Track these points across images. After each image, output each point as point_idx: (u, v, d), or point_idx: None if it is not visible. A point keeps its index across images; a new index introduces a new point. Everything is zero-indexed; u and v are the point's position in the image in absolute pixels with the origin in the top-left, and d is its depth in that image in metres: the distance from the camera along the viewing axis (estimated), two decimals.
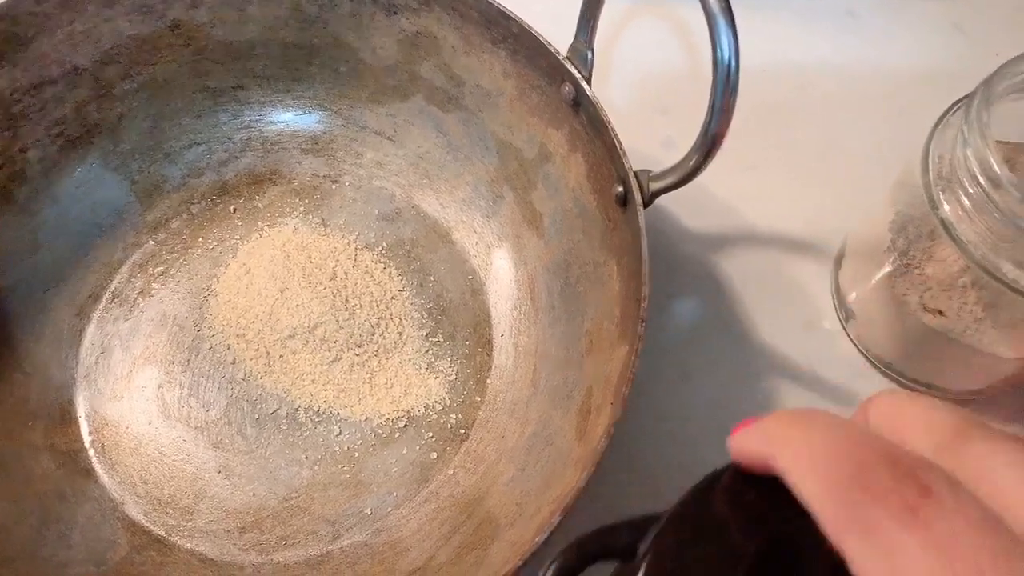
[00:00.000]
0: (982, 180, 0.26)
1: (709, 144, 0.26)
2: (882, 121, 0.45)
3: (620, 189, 0.31)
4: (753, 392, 0.38)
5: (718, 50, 0.25)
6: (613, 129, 0.31)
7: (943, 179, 0.29)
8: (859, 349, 0.38)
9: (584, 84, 0.32)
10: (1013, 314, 0.30)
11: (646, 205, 0.29)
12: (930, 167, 0.30)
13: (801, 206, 0.43)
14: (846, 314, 0.39)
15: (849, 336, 0.39)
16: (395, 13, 0.38)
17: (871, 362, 0.38)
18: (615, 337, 0.32)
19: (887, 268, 0.34)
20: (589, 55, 0.32)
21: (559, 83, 0.34)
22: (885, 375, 0.38)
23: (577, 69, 0.32)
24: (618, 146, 0.31)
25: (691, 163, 0.28)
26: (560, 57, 0.33)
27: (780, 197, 0.43)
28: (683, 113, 0.45)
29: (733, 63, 0.25)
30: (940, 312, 0.32)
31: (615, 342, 0.32)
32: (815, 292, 0.41)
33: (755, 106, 0.45)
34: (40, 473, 0.34)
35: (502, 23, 0.35)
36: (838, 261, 0.40)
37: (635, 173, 0.30)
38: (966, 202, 0.28)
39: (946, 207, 0.29)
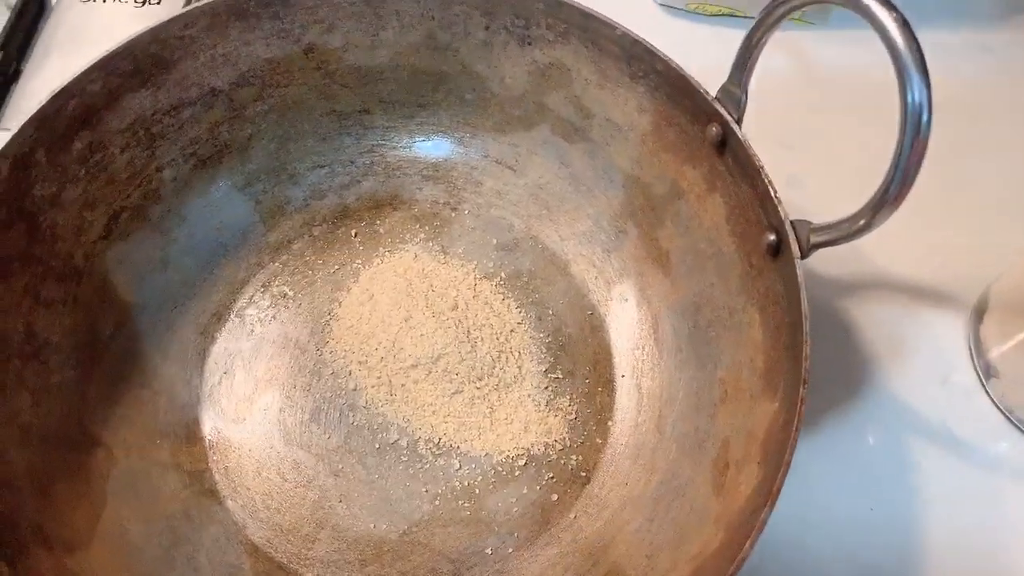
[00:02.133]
0: None
1: (889, 204, 0.25)
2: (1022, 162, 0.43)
3: (772, 238, 0.30)
4: (886, 448, 0.36)
5: (908, 100, 0.23)
6: (767, 175, 0.30)
7: None
8: (1000, 409, 0.36)
9: (735, 127, 0.31)
10: None
11: (804, 256, 0.28)
12: None
13: (935, 250, 0.41)
14: (987, 371, 0.37)
15: (988, 394, 0.37)
16: (529, 44, 0.37)
17: (1015, 424, 0.36)
18: (757, 390, 0.31)
19: None
20: (743, 98, 0.31)
21: (704, 123, 0.33)
22: None
23: (728, 111, 0.31)
24: (773, 194, 0.30)
25: (861, 222, 0.26)
26: (710, 98, 0.32)
27: (911, 240, 0.41)
28: (808, 148, 0.44)
29: (925, 116, 0.23)
30: None
31: (757, 395, 0.31)
32: (949, 345, 0.39)
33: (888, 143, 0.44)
34: (168, 492, 0.34)
35: (646, 59, 0.34)
36: (978, 313, 0.38)
37: (793, 223, 0.29)
38: None
39: None
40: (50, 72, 0.44)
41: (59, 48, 0.46)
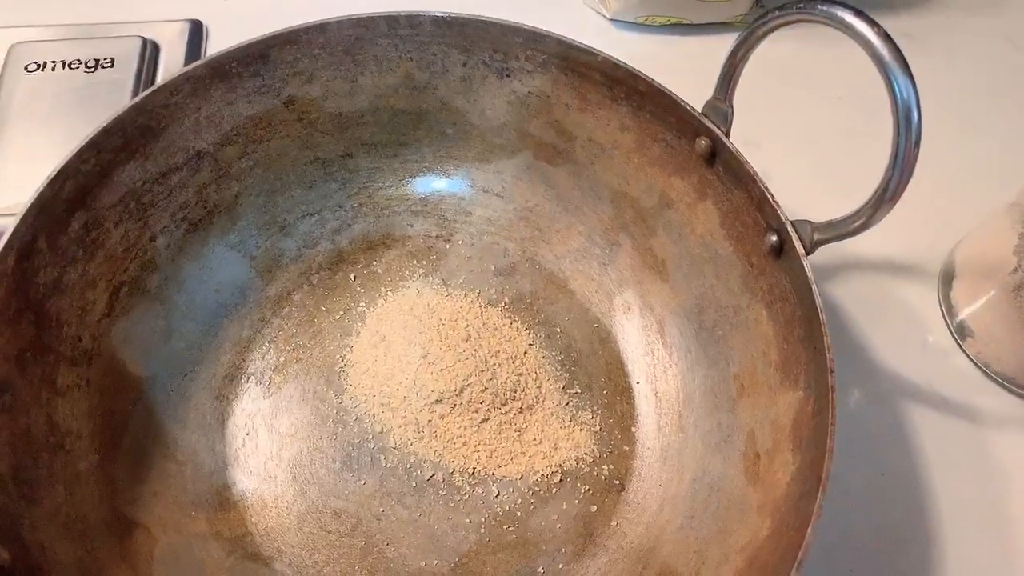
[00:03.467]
0: None
1: (888, 200, 0.27)
2: (974, 140, 0.47)
3: (774, 239, 0.32)
4: (882, 415, 0.39)
5: (898, 100, 0.26)
6: (763, 182, 0.32)
7: None
8: (978, 366, 0.40)
9: (726, 140, 0.33)
10: None
11: (809, 254, 0.30)
12: None
13: (898, 227, 0.44)
14: (961, 331, 0.40)
15: (966, 353, 0.40)
16: (508, 76, 0.39)
17: (992, 379, 0.39)
18: (776, 382, 0.33)
19: (1012, 290, 0.36)
20: (729, 111, 0.33)
21: (691, 137, 0.35)
22: (1010, 391, 0.39)
23: (716, 126, 0.33)
24: (771, 198, 0.32)
25: (862, 219, 0.29)
26: (697, 114, 0.34)
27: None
28: (776, 147, 0.46)
29: (915, 114, 0.26)
30: None
31: (776, 387, 0.33)
32: (923, 311, 0.42)
33: (849, 130, 0.47)
34: (212, 563, 0.34)
35: (628, 82, 0.36)
36: (946, 279, 0.41)
37: (794, 224, 0.31)
38: None
39: None
40: (13, 149, 0.43)
41: (13, 123, 0.44)
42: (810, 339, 0.30)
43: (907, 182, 0.27)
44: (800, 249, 0.30)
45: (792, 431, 0.31)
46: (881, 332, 0.41)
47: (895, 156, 0.26)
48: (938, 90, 0.49)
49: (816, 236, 0.30)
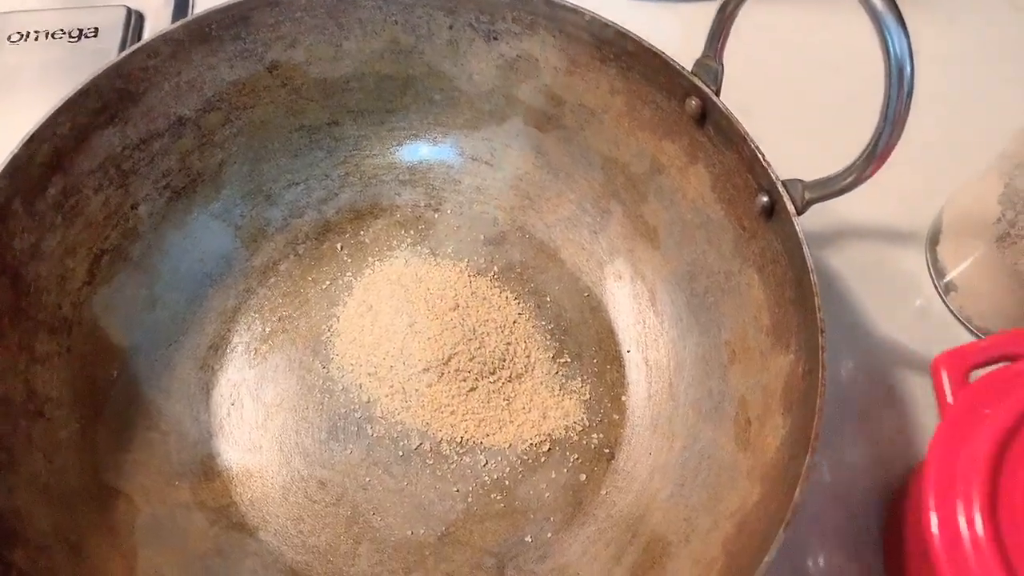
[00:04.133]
0: None
1: (879, 156, 0.26)
2: (971, 103, 0.46)
3: (765, 199, 0.31)
4: (882, 380, 0.38)
5: (891, 54, 0.25)
6: (753, 141, 0.31)
7: None
8: (960, 320, 0.39)
9: (716, 99, 0.32)
10: None
11: (800, 213, 0.30)
12: None
13: (887, 191, 0.43)
14: (945, 288, 0.40)
15: (951, 310, 0.40)
16: (495, 39, 0.38)
17: (976, 334, 0.39)
18: (767, 346, 0.32)
19: (995, 240, 0.35)
20: (719, 70, 0.32)
21: (681, 98, 0.34)
22: None
23: (706, 84, 0.32)
24: (762, 158, 0.31)
25: (853, 175, 0.28)
26: (687, 73, 0.33)
27: (868, 185, 0.44)
28: (769, 114, 0.45)
29: (908, 67, 0.25)
30: None
31: (767, 351, 0.32)
32: (911, 271, 0.41)
33: (844, 98, 0.46)
34: (196, 532, 0.33)
35: (617, 42, 0.35)
36: (932, 241, 0.41)
37: (784, 183, 0.30)
38: None
39: None
40: None
41: None
42: (801, 300, 0.30)
43: (898, 137, 0.26)
44: (791, 208, 0.30)
45: (783, 395, 0.30)
46: (872, 296, 0.41)
47: (886, 110, 0.26)
48: (937, 54, 0.48)
49: (807, 195, 0.29)
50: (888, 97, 0.25)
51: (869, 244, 0.42)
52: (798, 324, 0.30)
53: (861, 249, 0.42)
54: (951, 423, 0.29)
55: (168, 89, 0.35)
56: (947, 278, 0.40)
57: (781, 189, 0.30)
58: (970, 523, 0.26)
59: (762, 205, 0.31)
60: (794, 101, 0.46)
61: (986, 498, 0.26)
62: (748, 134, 0.31)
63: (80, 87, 0.32)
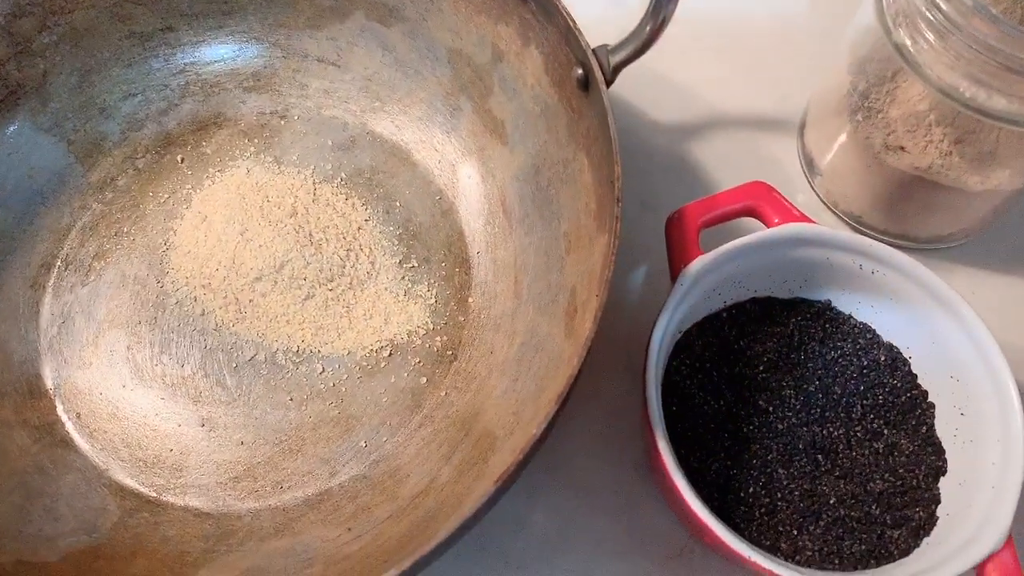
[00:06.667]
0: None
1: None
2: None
3: (580, 71, 0.29)
4: None
5: None
6: (565, 8, 0.29)
7: (900, 15, 0.28)
8: (826, 204, 0.38)
9: None
10: (980, 147, 0.29)
11: (609, 83, 0.28)
12: (884, 7, 0.29)
13: (761, 84, 0.42)
14: (812, 174, 0.38)
15: (819, 196, 0.38)
16: None
17: (841, 219, 0.37)
18: (594, 231, 0.30)
19: (849, 114, 0.33)
20: None
21: None
22: (856, 231, 0.37)
23: None
24: (573, 26, 0.29)
25: (648, 27, 0.26)
26: None
27: (740, 78, 0.42)
28: None
29: None
30: (903, 148, 0.31)
31: (594, 235, 0.30)
32: (785, 161, 0.40)
33: None
34: (16, 450, 0.32)
35: None
36: (801, 129, 0.39)
37: (593, 51, 0.28)
38: (926, 32, 0.27)
39: (907, 40, 0.28)
40: None
41: None
42: (612, 176, 0.28)
43: None
44: (599, 76, 0.28)
45: (600, 276, 0.29)
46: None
47: None
48: None
49: (612, 59, 0.27)
50: None
51: (742, 135, 0.40)
52: (609, 202, 0.28)
53: (733, 140, 0.40)
54: None
55: None
56: (813, 164, 0.38)
57: (590, 55, 0.28)
58: None
59: (577, 78, 0.29)
60: None
61: None
62: (562, 3, 0.29)
63: None
